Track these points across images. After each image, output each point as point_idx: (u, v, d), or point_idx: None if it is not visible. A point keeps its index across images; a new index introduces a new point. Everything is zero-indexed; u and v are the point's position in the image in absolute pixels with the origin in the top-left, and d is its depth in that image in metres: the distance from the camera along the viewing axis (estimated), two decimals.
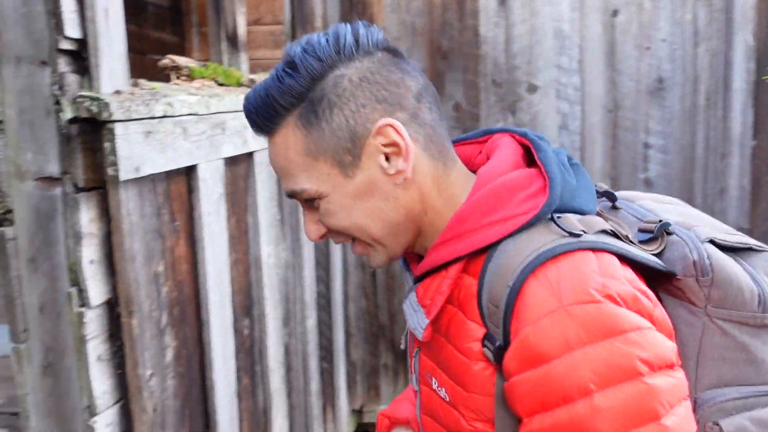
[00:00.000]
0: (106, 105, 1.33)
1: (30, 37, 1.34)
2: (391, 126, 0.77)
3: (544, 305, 0.71)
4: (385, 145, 0.78)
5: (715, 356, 0.80)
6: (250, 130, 2.01)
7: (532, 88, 3.12)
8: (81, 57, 1.39)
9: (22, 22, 1.34)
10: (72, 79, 1.37)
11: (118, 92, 1.42)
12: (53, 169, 1.36)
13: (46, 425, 1.45)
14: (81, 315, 1.38)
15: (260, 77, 2.33)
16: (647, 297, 0.74)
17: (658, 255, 0.82)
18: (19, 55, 1.34)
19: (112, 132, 1.35)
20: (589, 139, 3.12)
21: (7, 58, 1.35)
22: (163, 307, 1.60)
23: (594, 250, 0.75)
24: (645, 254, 0.79)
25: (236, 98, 1.92)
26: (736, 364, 0.80)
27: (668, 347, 0.72)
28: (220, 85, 2.07)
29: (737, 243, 0.84)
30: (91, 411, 1.41)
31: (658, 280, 0.81)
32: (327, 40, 0.77)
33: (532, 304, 0.71)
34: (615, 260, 0.75)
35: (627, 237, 0.80)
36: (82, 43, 1.38)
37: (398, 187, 0.79)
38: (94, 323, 1.41)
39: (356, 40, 0.78)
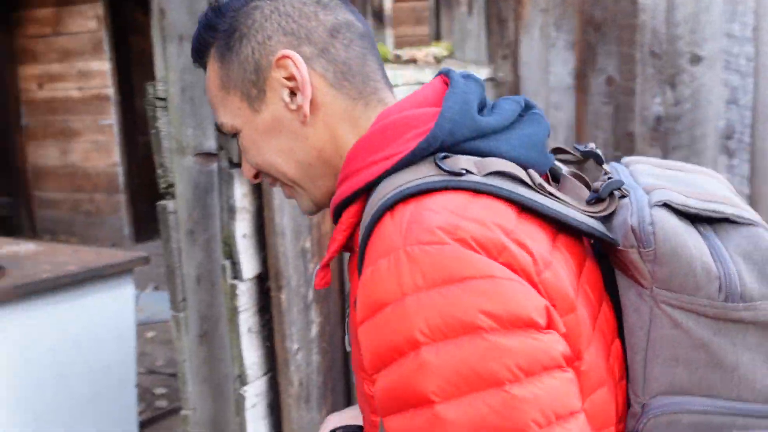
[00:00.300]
0: None
1: (192, 16, 1.38)
2: (289, 58, 0.73)
3: (386, 245, 0.61)
4: (287, 79, 0.74)
5: (665, 354, 0.66)
6: None
7: (696, 59, 2.86)
8: None
9: (186, 3, 1.38)
10: None
11: None
12: (211, 144, 1.41)
13: (201, 391, 1.51)
14: (234, 287, 1.42)
15: (405, 53, 2.29)
16: (529, 253, 0.61)
17: (607, 220, 0.70)
18: (182, 33, 1.39)
19: None
20: (762, 115, 2.81)
21: (171, 37, 1.40)
22: (309, 283, 1.62)
23: (475, 192, 0.64)
24: (560, 207, 0.66)
25: None
26: (694, 368, 0.65)
27: (533, 304, 0.59)
28: None
29: (706, 210, 0.67)
30: (242, 380, 1.46)
31: (611, 252, 0.70)
32: None
33: (378, 243, 0.63)
34: (498, 206, 0.63)
35: (542, 186, 0.67)
36: None
37: (306, 125, 0.75)
38: (245, 296, 1.45)
39: None
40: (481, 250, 0.59)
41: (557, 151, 0.81)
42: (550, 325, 0.60)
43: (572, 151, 0.80)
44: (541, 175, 0.71)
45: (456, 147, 0.68)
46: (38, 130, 6.32)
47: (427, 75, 2.26)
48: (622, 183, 0.71)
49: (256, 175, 0.82)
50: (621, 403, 0.70)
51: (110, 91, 5.96)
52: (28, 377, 1.98)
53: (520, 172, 0.67)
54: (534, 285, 0.60)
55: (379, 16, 2.39)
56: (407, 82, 2.05)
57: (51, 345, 2.04)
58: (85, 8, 5.99)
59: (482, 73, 2.92)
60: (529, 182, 0.67)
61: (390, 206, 0.64)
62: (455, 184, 0.64)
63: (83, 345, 2.13)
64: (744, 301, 0.64)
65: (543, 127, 0.74)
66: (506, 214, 0.63)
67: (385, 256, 0.61)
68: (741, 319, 0.64)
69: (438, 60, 2.58)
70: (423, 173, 0.65)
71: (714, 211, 0.67)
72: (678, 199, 0.67)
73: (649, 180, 0.73)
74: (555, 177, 0.77)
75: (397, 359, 0.59)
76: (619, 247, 0.67)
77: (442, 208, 0.62)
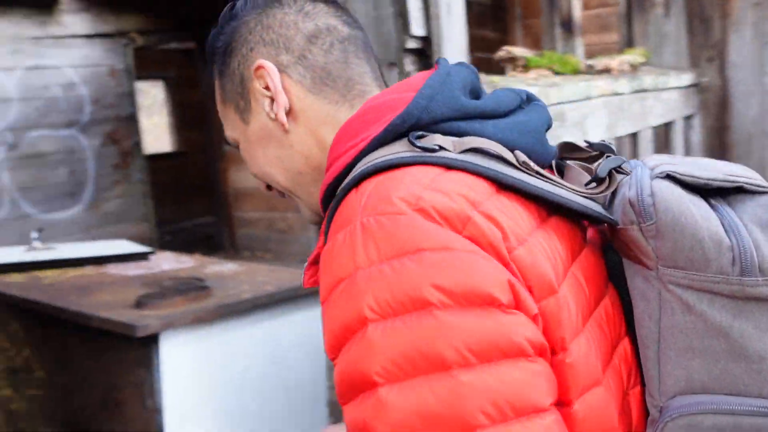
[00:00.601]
0: None
1: (379, 40, 1.37)
2: (263, 67, 0.74)
3: (346, 218, 0.59)
4: (265, 88, 0.74)
5: (679, 345, 0.59)
6: (590, 121, 1.86)
7: None
8: (425, 55, 1.38)
9: (373, 25, 1.37)
10: None
11: None
12: None
13: None
14: None
15: (598, 62, 2.14)
16: (499, 227, 0.57)
17: (610, 203, 0.64)
18: None
19: None
20: None
21: None
22: None
23: (447, 167, 0.60)
24: (545, 186, 0.61)
25: (575, 87, 1.77)
26: (713, 360, 0.57)
27: (493, 278, 0.54)
28: (556, 73, 1.94)
29: (715, 180, 0.60)
30: None
31: (615, 237, 0.64)
32: None
33: (339, 218, 0.60)
34: (472, 180, 0.59)
35: (526, 164, 0.62)
36: (426, 41, 1.38)
37: (288, 133, 0.75)
38: None
39: None
40: (442, 221, 0.56)
41: (568, 147, 0.75)
42: (516, 305, 0.55)
43: (583, 146, 0.74)
44: (537, 163, 0.65)
45: (435, 126, 0.65)
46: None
47: (623, 85, 2.09)
48: (623, 161, 0.66)
49: (268, 186, 0.83)
50: (637, 412, 0.63)
51: None
52: (229, 395, 2.09)
53: (500, 150, 0.63)
54: (503, 261, 0.56)
55: (567, 26, 2.26)
56: (602, 93, 1.90)
57: (249, 363, 2.14)
58: None
59: (684, 79, 2.66)
60: (512, 160, 0.62)
61: (356, 182, 0.62)
62: (427, 160, 0.60)
63: (278, 363, 2.22)
64: (764, 275, 0.56)
65: (541, 116, 0.70)
66: (478, 187, 0.59)
67: (342, 229, 0.58)
68: (763, 296, 0.56)
69: (633, 67, 2.38)
70: (395, 150, 0.63)
71: (724, 180, 0.60)
72: (683, 170, 0.61)
73: (658, 161, 0.65)
74: (560, 171, 0.72)
75: (349, 339, 0.55)
76: (619, 227, 0.62)
77: (408, 179, 0.59)
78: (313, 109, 0.75)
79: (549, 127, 0.70)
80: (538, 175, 0.63)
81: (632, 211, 0.60)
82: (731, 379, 0.57)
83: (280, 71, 0.74)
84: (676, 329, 0.59)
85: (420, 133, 0.64)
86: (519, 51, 1.83)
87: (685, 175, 0.60)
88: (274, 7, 0.76)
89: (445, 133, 0.65)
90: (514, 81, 1.66)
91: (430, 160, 0.60)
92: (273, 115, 0.75)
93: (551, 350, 0.57)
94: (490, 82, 1.53)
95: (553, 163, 0.71)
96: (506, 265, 0.56)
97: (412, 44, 1.35)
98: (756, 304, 0.56)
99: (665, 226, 0.58)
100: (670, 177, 0.60)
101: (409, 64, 1.36)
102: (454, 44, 1.40)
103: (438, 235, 0.55)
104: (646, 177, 0.61)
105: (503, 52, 1.81)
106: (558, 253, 0.61)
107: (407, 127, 0.64)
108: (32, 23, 4.86)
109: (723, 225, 0.58)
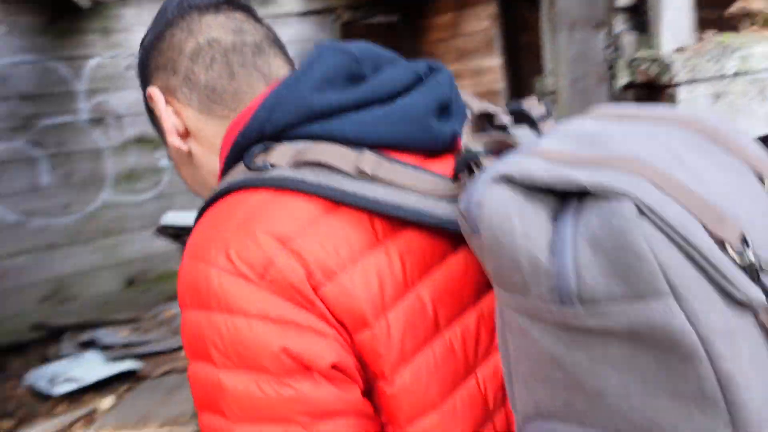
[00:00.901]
0: (668, 66, 1.12)
1: (582, 1, 1.23)
2: (151, 95, 0.76)
3: (184, 251, 0.63)
4: None
5: (523, 369, 0.53)
6: None
7: None
8: (638, 12, 1.21)
9: None
10: (628, 40, 1.20)
11: (680, 49, 1.20)
12: None
13: None
14: None
15: None
16: (304, 265, 0.57)
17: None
18: (574, 19, 1.24)
19: (672, 97, 1.14)
20: None
21: (561, 26, 1.27)
22: None
23: (277, 188, 0.60)
24: (382, 195, 0.59)
25: None
26: (555, 388, 0.50)
27: (266, 352, 0.57)
28: None
29: (559, 182, 0.48)
30: None
31: None
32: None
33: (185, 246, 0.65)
34: (297, 204, 0.60)
35: (363, 173, 0.60)
36: None
37: (194, 155, 0.76)
38: None
39: (165, 9, 0.77)
40: (246, 268, 0.58)
41: (486, 115, 0.65)
42: (299, 368, 0.57)
43: (499, 113, 0.64)
44: (417, 153, 0.64)
45: (288, 133, 0.64)
46: None
47: None
48: (478, 154, 0.59)
49: None
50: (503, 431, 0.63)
51: (500, 86, 6.19)
52: None
53: (337, 158, 0.61)
54: (307, 302, 0.58)
55: None
56: None
57: None
58: (479, 10, 6.32)
59: None
60: (348, 169, 0.61)
61: (200, 214, 0.65)
62: (255, 183, 0.61)
63: None
64: (584, 305, 0.47)
65: (431, 94, 0.65)
66: (302, 213, 0.60)
67: (180, 267, 0.63)
68: (589, 328, 0.47)
69: None
70: (237, 172, 0.64)
71: (567, 182, 0.48)
72: (525, 169, 0.50)
73: (549, 143, 0.53)
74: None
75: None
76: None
77: (225, 217, 0.61)
78: (207, 129, 0.75)
79: (444, 103, 0.65)
80: (380, 182, 0.60)
81: (465, 222, 0.54)
82: (576, 411, 0.51)
83: (171, 95, 0.75)
84: (521, 352, 0.54)
85: (264, 145, 0.63)
86: (758, 5, 1.55)
87: (523, 177, 0.50)
88: (166, 29, 0.77)
89: (299, 138, 0.63)
90: (752, 40, 1.41)
91: (258, 183, 0.61)
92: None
93: (374, 376, 0.59)
94: (720, 42, 1.31)
95: (468, 132, 0.62)
96: (311, 305, 0.58)
97: (623, 1, 1.19)
98: (585, 334, 0.48)
99: (489, 243, 0.52)
100: (508, 179, 0.51)
101: (620, 23, 1.20)
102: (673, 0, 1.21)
103: (227, 296, 0.58)
104: (482, 181, 0.53)
105: (737, 7, 1.55)
106: (394, 274, 0.60)
107: (252, 142, 0.64)
108: (255, 3, 5.25)
109: (552, 244, 0.48)
